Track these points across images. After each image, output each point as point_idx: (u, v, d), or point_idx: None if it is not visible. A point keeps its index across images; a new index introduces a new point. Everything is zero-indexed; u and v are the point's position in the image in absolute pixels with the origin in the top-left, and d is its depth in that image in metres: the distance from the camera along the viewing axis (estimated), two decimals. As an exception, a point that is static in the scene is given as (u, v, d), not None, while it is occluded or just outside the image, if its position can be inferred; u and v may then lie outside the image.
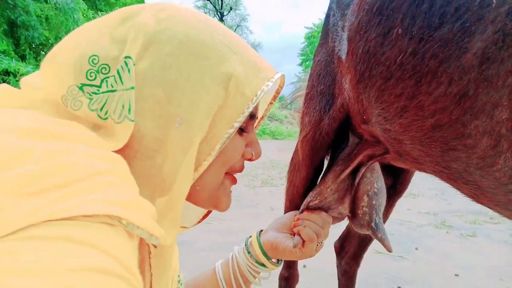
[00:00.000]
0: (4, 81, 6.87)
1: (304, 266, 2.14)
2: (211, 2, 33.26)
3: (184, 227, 0.61)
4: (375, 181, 0.87)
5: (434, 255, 2.45)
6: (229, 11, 34.16)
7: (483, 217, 3.35)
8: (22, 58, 10.39)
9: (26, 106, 0.39)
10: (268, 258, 0.74)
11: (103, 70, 0.39)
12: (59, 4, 10.76)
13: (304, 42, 24.98)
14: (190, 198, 0.49)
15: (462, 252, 2.52)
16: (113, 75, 0.39)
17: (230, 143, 0.47)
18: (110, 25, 0.42)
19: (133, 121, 0.38)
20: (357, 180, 0.86)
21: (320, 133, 0.88)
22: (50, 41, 11.25)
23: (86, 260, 0.26)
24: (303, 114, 0.98)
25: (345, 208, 0.89)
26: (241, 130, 0.51)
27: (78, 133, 0.35)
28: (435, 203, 3.97)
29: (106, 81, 0.39)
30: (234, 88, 0.44)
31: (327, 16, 0.95)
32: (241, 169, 0.54)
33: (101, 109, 0.38)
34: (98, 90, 0.39)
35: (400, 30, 0.57)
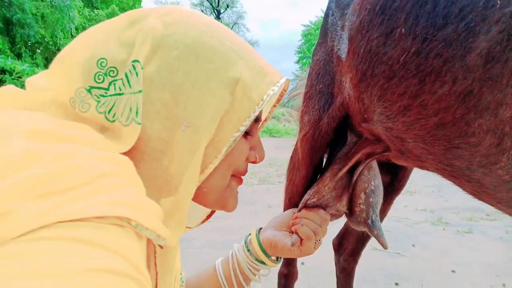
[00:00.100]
0: (0, 80, 6.82)
1: (303, 263, 2.15)
2: (207, 0, 33.13)
3: (189, 227, 0.61)
4: (372, 179, 0.88)
5: (431, 252, 2.47)
6: (225, 9, 34.06)
7: (480, 214, 3.37)
8: (18, 56, 10.31)
9: (32, 107, 0.39)
10: (268, 256, 0.75)
11: (111, 73, 0.40)
12: (54, 2, 10.69)
13: (301, 40, 24.97)
14: (198, 199, 0.50)
15: (458, 249, 2.54)
16: (121, 78, 0.39)
17: (236, 146, 0.48)
18: (117, 28, 0.43)
19: (140, 124, 0.39)
20: (354, 178, 0.87)
21: (320, 132, 0.88)
22: (46, 39, 11.17)
23: (98, 261, 0.27)
24: (302, 113, 0.98)
25: (342, 205, 0.90)
26: (246, 133, 0.51)
27: (85, 135, 0.35)
28: (431, 200, 3.99)
29: (114, 84, 0.39)
30: (241, 93, 0.44)
31: (326, 15, 0.96)
32: (244, 172, 0.55)
33: (109, 112, 0.39)
34: (106, 93, 0.39)
35: (403, 29, 0.57)
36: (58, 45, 11.60)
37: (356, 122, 0.81)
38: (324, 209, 0.86)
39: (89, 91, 0.39)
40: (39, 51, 11.84)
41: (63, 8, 10.83)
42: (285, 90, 0.58)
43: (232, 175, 0.52)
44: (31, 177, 0.27)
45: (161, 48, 0.41)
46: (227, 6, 33.88)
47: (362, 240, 1.37)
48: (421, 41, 0.55)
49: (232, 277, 0.74)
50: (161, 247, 0.42)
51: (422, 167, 0.75)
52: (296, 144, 1.05)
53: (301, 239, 0.74)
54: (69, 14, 11.16)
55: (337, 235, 1.46)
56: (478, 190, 0.62)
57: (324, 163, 0.98)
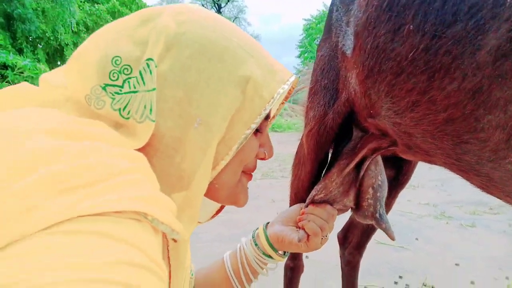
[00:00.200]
0: (2, 75, 6.83)
1: (307, 256, 2.16)
2: (208, -6, 32.95)
3: (199, 222, 0.62)
4: (379, 174, 0.89)
5: (434, 246, 2.49)
6: (226, 3, 33.85)
7: (483, 208, 3.38)
8: (20, 51, 10.30)
9: (48, 104, 0.40)
10: (275, 250, 0.76)
11: (125, 71, 0.40)
12: (55, -4, 10.65)
13: (302, 34, 24.83)
14: (210, 195, 0.51)
15: (462, 243, 2.55)
16: (135, 76, 0.40)
17: (247, 144, 0.49)
18: (131, 27, 0.43)
19: (154, 121, 0.39)
20: (361, 173, 0.88)
21: (325, 127, 0.89)
22: (47, 34, 11.15)
23: (119, 253, 0.27)
24: (307, 109, 0.99)
25: (349, 200, 0.90)
26: (256, 131, 0.52)
27: (102, 132, 0.36)
28: (435, 194, 4.00)
29: (128, 81, 0.40)
30: (252, 91, 0.45)
31: (330, 11, 0.96)
32: (254, 168, 0.56)
33: (123, 109, 0.40)
34: (121, 90, 0.40)
35: (411, 26, 0.57)
36: (59, 40, 11.58)
37: (362, 118, 0.82)
38: (331, 204, 0.86)
39: (104, 88, 0.40)
40: (41, 46, 11.83)
41: (63, 2, 10.79)
42: (293, 88, 0.59)
43: (242, 171, 0.53)
44: (53, 173, 0.28)
45: (174, 46, 0.42)
46: (228, 0, 33.68)
47: (367, 233, 1.37)
48: (430, 38, 0.55)
49: (240, 270, 0.75)
50: (174, 241, 0.43)
51: (429, 162, 0.76)
52: (301, 139, 1.06)
53: (308, 235, 0.75)
54: (70, 9, 11.11)
55: (342, 229, 1.47)
56: (487, 184, 0.62)
57: (329, 158, 0.98)
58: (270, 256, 0.76)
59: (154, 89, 0.40)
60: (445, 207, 3.46)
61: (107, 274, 0.26)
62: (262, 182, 4.52)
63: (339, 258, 1.48)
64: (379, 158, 0.92)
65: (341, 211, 0.92)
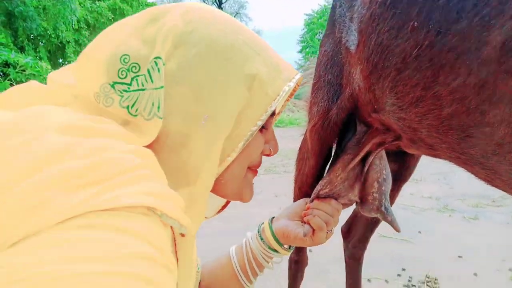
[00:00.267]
0: (4, 73, 6.83)
1: (310, 250, 2.17)
2: (209, -11, 32.73)
3: (205, 217, 0.63)
4: (384, 168, 0.90)
5: (437, 238, 2.50)
6: (227, -2, 33.65)
7: (485, 201, 3.38)
8: (21, 49, 10.28)
9: (57, 102, 0.41)
10: (281, 245, 0.76)
11: (134, 69, 0.41)
12: (55, -6, 10.61)
13: (303, 29, 24.68)
14: (216, 191, 0.51)
15: (464, 235, 2.56)
16: (143, 74, 0.41)
17: (252, 140, 0.49)
18: (139, 25, 0.44)
19: (162, 118, 0.40)
20: (366, 168, 0.89)
21: (329, 122, 0.89)
22: (48, 32, 11.12)
23: (133, 247, 0.28)
24: (311, 104, 0.99)
25: (354, 195, 0.91)
26: (262, 127, 0.53)
27: (112, 129, 0.37)
28: (437, 187, 3.99)
29: (136, 79, 0.41)
30: (258, 88, 0.46)
31: (333, 6, 0.96)
32: (259, 164, 0.56)
33: (132, 106, 0.40)
34: (129, 88, 0.41)
35: (416, 23, 0.58)
36: (61, 37, 11.55)
37: (366, 113, 0.82)
38: (336, 199, 0.87)
39: (112, 86, 0.41)
40: (42, 44, 11.81)
41: (64, 0, 10.76)
42: (298, 85, 0.59)
43: (248, 167, 0.54)
44: (66, 169, 0.29)
45: (182, 45, 0.42)
46: (229, -5, 33.47)
47: (370, 227, 1.38)
48: (434, 35, 0.56)
49: (246, 264, 0.76)
50: (182, 235, 0.44)
51: (434, 156, 0.76)
52: (305, 134, 1.06)
53: (314, 230, 0.75)
54: (71, 6, 11.06)
55: (346, 222, 1.47)
56: (492, 177, 0.63)
57: (333, 153, 0.99)
58: (275, 250, 0.77)
59: (162, 87, 0.41)
60: (447, 200, 3.46)
61: (121, 266, 0.27)
62: (265, 177, 4.53)
63: (342, 251, 1.49)
64: (383, 152, 0.92)
65: (346, 205, 0.92)
